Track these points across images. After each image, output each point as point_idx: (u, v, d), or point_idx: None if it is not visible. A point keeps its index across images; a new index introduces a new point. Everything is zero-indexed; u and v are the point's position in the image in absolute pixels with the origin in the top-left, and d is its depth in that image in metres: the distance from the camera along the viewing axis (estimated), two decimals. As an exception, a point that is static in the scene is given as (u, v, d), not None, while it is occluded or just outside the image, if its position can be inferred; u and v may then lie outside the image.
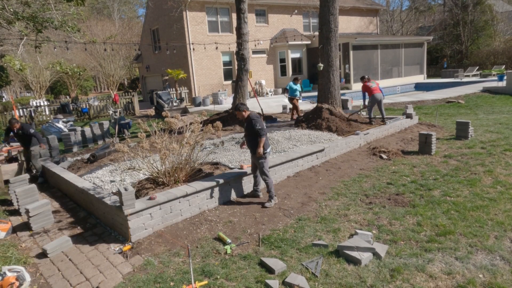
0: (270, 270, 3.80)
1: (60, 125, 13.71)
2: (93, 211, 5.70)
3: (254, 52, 22.50)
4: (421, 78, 25.97)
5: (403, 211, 5.02)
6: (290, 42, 22.66)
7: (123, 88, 40.34)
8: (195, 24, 20.45)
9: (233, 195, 5.81)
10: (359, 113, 11.00)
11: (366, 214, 5.05)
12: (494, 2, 33.83)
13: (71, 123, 15.42)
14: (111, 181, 6.45)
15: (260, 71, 23.44)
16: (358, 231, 4.40)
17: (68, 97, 29.92)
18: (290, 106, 14.85)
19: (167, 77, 22.26)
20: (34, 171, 8.12)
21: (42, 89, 28.88)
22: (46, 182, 7.93)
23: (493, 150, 7.44)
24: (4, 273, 3.79)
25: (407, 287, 3.47)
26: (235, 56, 19.51)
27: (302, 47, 24.04)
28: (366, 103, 10.18)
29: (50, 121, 15.24)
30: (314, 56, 22.86)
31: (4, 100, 27.32)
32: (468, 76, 25.10)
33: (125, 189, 4.49)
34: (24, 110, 16.84)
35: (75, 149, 10.96)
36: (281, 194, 5.93)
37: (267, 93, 22.78)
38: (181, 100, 18.26)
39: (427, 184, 5.94)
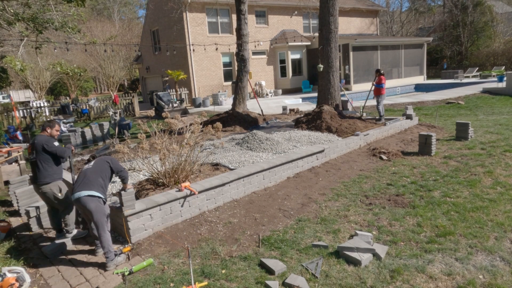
0: (270, 271, 3.80)
1: (60, 126, 13.73)
2: (93, 212, 5.69)
3: (254, 53, 22.52)
4: (421, 79, 25.99)
5: (403, 212, 5.02)
6: (290, 43, 22.68)
7: (123, 89, 40.34)
8: (195, 25, 20.47)
9: (233, 196, 5.81)
10: (357, 113, 11.02)
11: (366, 215, 5.05)
12: (493, 3, 33.87)
13: (71, 124, 15.43)
14: (112, 182, 6.45)
15: (260, 72, 23.46)
16: (358, 232, 4.40)
17: (68, 98, 29.94)
18: (290, 108, 14.82)
19: (167, 78, 22.28)
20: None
21: (42, 90, 28.90)
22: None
23: (493, 151, 7.44)
24: (4, 274, 3.79)
25: (407, 288, 3.47)
26: (235, 57, 19.54)
27: (302, 48, 24.07)
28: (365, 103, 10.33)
29: (50, 122, 15.22)
30: (314, 57, 22.88)
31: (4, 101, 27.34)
32: (468, 77, 25.11)
33: (125, 190, 4.50)
34: (25, 111, 16.83)
35: (75, 150, 10.97)
36: (281, 195, 5.93)
37: (267, 94, 22.80)
38: (181, 101, 18.27)
39: (427, 185, 5.94)
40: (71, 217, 4.90)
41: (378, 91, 10.46)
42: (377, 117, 10.67)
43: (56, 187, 4.70)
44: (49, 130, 4.76)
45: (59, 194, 4.69)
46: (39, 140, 4.61)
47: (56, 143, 4.70)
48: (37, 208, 5.30)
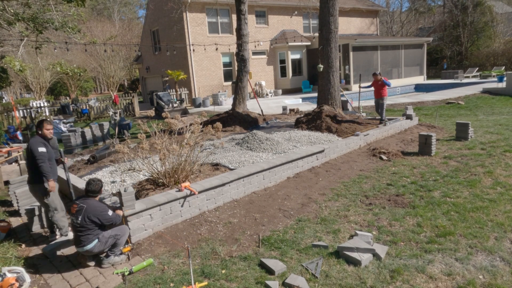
0: (270, 271, 3.80)
1: (61, 126, 13.74)
2: (93, 212, 5.69)
3: (254, 53, 22.52)
4: (421, 79, 25.99)
5: (403, 212, 5.02)
6: (290, 43, 22.68)
7: (123, 89, 40.33)
8: (195, 25, 20.47)
9: (233, 196, 5.81)
10: (356, 113, 11.02)
11: (366, 215, 5.05)
12: (493, 3, 33.87)
13: (71, 124, 15.44)
14: (112, 182, 6.46)
15: (260, 72, 23.46)
16: (358, 232, 4.40)
17: (68, 98, 29.92)
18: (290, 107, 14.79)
19: (167, 78, 22.28)
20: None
21: (42, 90, 28.88)
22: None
23: (493, 151, 7.44)
24: (4, 274, 3.79)
25: (407, 288, 3.47)
26: (235, 57, 19.53)
27: (302, 48, 24.07)
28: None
29: (50, 122, 15.21)
30: (314, 57, 22.88)
31: (4, 101, 27.34)
32: (468, 77, 25.12)
33: (125, 190, 4.49)
34: (25, 111, 16.82)
35: (75, 150, 10.97)
36: (281, 195, 5.93)
37: (267, 94, 22.80)
38: (181, 101, 18.28)
39: (427, 185, 5.94)
40: (62, 219, 4.87)
41: (384, 92, 9.75)
42: (377, 117, 10.66)
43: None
44: (40, 132, 4.78)
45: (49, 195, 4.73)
46: (29, 143, 4.66)
47: (42, 149, 4.55)
48: (37, 208, 5.30)
